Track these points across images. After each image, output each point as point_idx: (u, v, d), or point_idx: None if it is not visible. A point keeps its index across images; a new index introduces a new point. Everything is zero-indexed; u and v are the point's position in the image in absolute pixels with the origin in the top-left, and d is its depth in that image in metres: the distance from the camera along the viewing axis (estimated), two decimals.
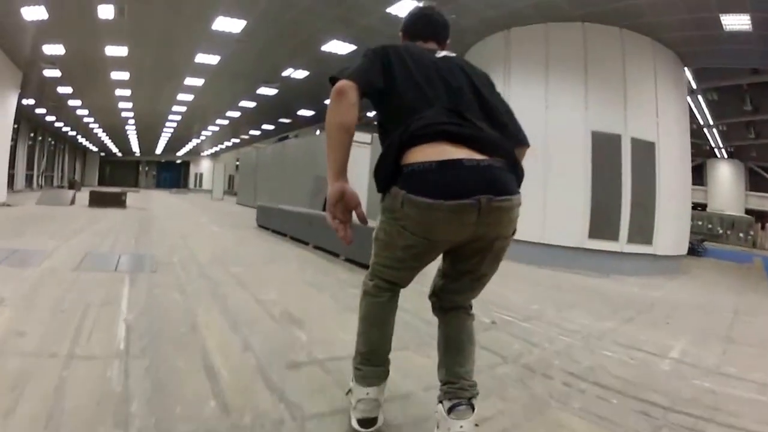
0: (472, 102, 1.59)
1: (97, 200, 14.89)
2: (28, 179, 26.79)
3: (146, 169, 54.20)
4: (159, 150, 43.68)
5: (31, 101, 18.72)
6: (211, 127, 28.42)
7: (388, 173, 1.47)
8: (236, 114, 22.26)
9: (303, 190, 12.41)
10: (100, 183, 45.33)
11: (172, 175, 53.20)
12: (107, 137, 34.83)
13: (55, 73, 13.68)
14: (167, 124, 26.57)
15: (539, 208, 7.77)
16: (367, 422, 1.64)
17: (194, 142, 37.81)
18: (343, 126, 1.45)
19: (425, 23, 1.89)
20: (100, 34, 10.35)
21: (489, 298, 4.07)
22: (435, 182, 1.37)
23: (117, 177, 48.12)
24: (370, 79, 1.53)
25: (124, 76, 14.11)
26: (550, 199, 7.75)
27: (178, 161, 52.56)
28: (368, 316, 1.68)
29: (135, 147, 41.95)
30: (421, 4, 2.13)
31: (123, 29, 9.98)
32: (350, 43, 10.60)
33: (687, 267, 8.97)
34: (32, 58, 12.44)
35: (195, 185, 48.40)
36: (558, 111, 7.92)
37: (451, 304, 1.73)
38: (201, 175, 48.46)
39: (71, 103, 19.28)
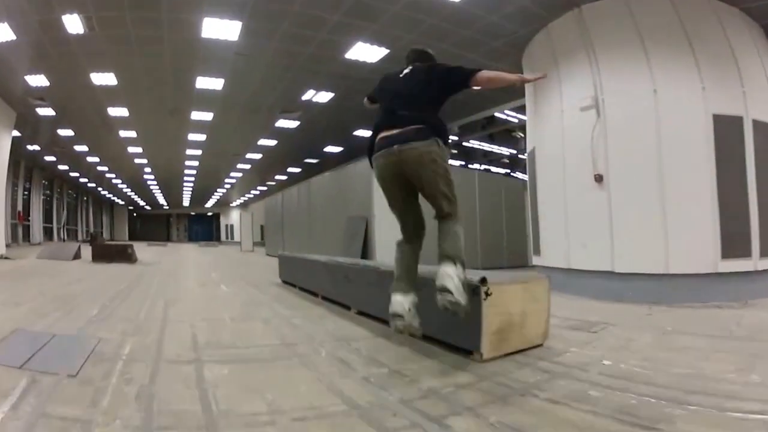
0: (406, 96, 2.93)
1: (101, 255, 13.27)
2: (48, 232, 26.02)
3: (177, 224, 53.96)
4: (186, 202, 43.09)
5: (36, 147, 17.86)
6: (233, 174, 27.16)
7: (370, 146, 2.97)
8: (257, 156, 20.73)
9: (335, 234, 10.31)
10: (131, 237, 45.05)
11: (203, 228, 52.73)
12: (130, 189, 34.32)
13: (48, 111, 12.36)
14: (186, 171, 25.50)
15: (658, 229, 5.79)
16: (396, 316, 2.72)
17: (220, 191, 36.95)
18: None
19: (408, 57, 3.31)
20: (78, 57, 8.76)
21: (691, 385, 2.48)
22: (377, 146, 2.88)
23: (147, 231, 47.77)
24: (371, 97, 3.40)
25: (123, 112, 12.62)
26: (671, 214, 5.78)
27: (209, 213, 52.20)
28: (397, 257, 2.96)
29: (162, 199, 41.46)
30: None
31: (100, 47, 8.32)
32: (380, 45, 8.44)
33: None
34: (20, 95, 11.11)
35: (227, 237, 47.63)
36: (670, 94, 5.90)
37: (437, 215, 2.84)
38: (231, 226, 47.46)
39: (78, 148, 18.19)
